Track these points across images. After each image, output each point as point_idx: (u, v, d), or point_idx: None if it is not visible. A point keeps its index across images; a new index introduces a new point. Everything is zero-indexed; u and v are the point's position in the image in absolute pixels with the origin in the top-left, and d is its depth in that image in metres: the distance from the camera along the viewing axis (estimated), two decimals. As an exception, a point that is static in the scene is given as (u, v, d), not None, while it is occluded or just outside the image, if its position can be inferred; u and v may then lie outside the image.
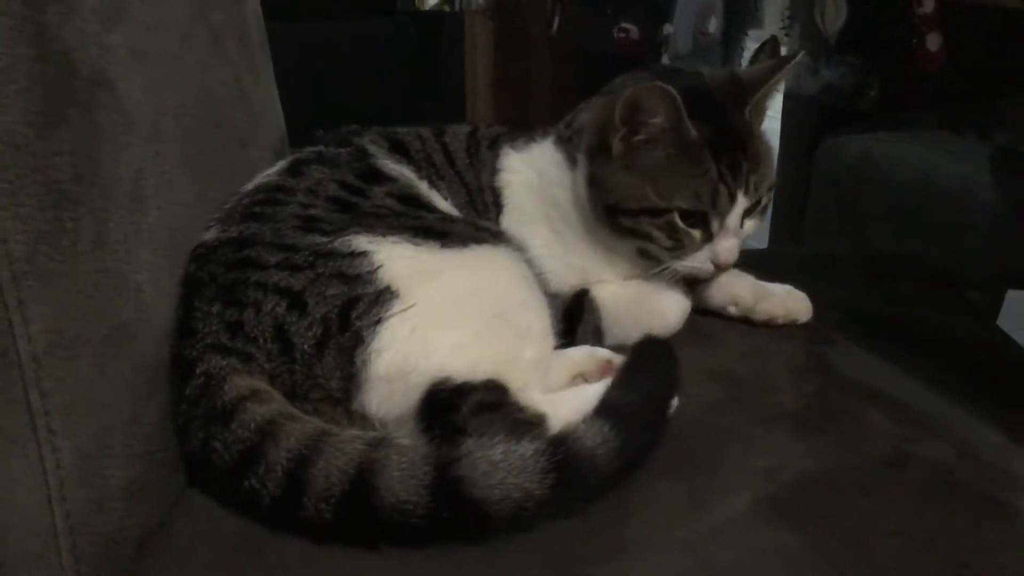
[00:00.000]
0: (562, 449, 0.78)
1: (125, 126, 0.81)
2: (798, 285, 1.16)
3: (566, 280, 1.10)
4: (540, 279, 1.08)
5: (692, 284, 1.14)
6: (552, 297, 1.08)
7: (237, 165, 1.08)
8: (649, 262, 1.09)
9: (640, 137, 1.02)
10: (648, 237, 1.05)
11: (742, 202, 1.03)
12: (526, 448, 0.78)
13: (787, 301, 1.12)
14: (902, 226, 1.74)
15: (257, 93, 1.21)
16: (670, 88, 0.97)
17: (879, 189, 1.77)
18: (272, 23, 1.33)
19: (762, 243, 2.25)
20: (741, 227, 1.06)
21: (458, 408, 0.84)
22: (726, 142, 1.03)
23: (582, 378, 0.98)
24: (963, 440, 0.92)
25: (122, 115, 0.81)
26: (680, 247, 1.05)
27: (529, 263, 1.07)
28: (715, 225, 1.04)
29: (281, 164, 1.07)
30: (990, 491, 0.85)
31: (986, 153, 1.56)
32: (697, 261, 1.06)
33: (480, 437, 0.80)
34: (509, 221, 1.12)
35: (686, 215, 1.03)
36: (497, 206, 1.12)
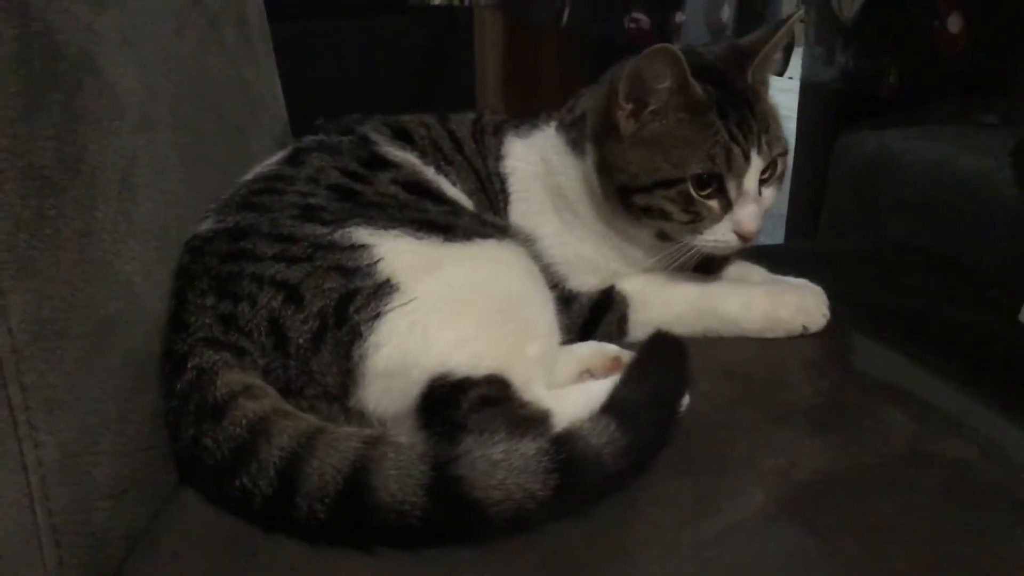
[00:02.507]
0: (566, 448, 0.75)
1: (114, 112, 0.79)
2: (814, 280, 1.12)
3: (578, 272, 1.07)
4: (550, 271, 1.06)
5: (706, 271, 1.11)
6: (564, 292, 1.05)
7: (235, 154, 1.06)
8: (667, 245, 1.04)
9: (650, 108, 0.99)
10: (664, 214, 1.01)
11: (757, 162, 1.00)
12: (528, 447, 0.75)
13: (803, 299, 1.08)
14: (921, 222, 1.70)
15: (257, 82, 1.19)
16: (671, 47, 0.95)
17: (898, 184, 1.73)
18: (286, 22, 1.31)
19: (778, 239, 2.22)
20: (760, 194, 1.02)
21: (458, 403, 0.81)
22: (733, 103, 1.00)
23: (589, 375, 0.95)
24: (987, 439, 0.88)
25: (111, 101, 0.79)
26: (698, 219, 1.01)
27: (539, 255, 1.05)
28: (732, 190, 1.00)
29: (282, 153, 1.04)
30: (1017, 493, 0.81)
31: (1007, 147, 1.52)
32: (718, 233, 1.01)
33: (481, 434, 0.77)
34: (517, 210, 1.09)
35: (702, 184, 0.99)
36: (504, 193, 1.10)
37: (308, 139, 1.06)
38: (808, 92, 1.98)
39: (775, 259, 1.19)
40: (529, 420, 0.82)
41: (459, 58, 2.28)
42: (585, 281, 1.07)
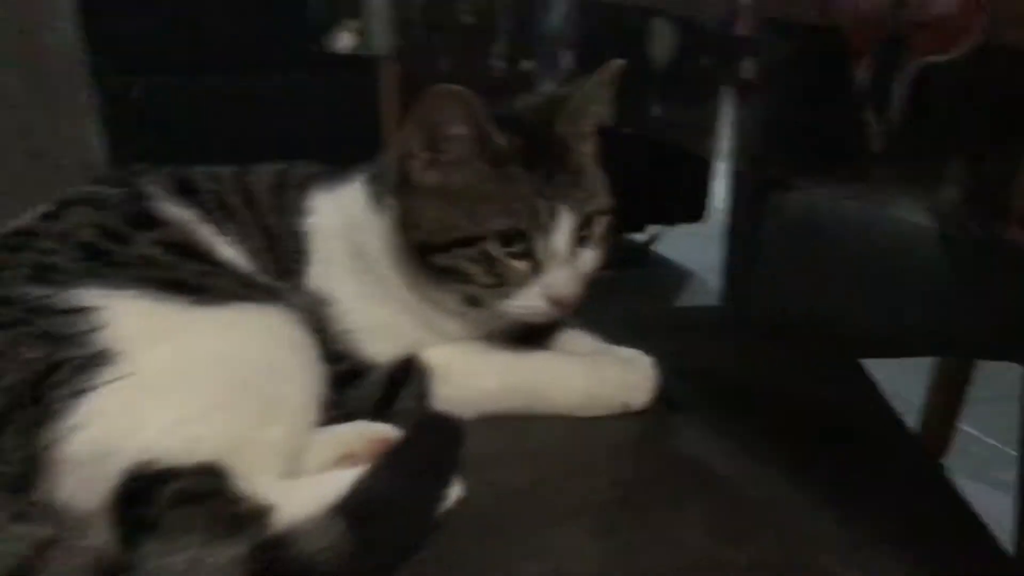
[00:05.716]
0: (268, 556, 0.64)
1: None
2: (662, 347, 1.00)
3: (375, 340, 0.95)
4: (345, 338, 0.94)
5: (530, 340, 0.99)
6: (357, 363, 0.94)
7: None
8: (477, 312, 0.94)
9: (448, 156, 0.89)
10: (467, 276, 0.90)
11: (567, 219, 0.89)
12: (222, 554, 0.64)
13: (626, 374, 0.97)
14: (850, 285, 1.61)
15: (51, 131, 1.08)
16: (460, 88, 0.85)
17: (826, 246, 1.64)
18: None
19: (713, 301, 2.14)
20: (575, 256, 0.91)
21: (152, 499, 0.69)
22: (540, 154, 0.90)
23: (351, 459, 0.83)
24: (796, 542, 0.76)
25: None
26: (504, 283, 0.90)
27: (334, 320, 0.94)
28: (540, 249, 0.89)
29: (47, 205, 0.93)
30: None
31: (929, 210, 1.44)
32: (528, 298, 0.90)
33: (169, 537, 0.65)
34: (315, 272, 0.97)
35: (507, 241, 0.89)
36: (303, 254, 0.98)
37: (81, 190, 0.96)
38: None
39: (628, 325, 1.08)
40: (242, 519, 0.70)
41: (365, 108, 2.22)
42: (382, 350, 0.95)
